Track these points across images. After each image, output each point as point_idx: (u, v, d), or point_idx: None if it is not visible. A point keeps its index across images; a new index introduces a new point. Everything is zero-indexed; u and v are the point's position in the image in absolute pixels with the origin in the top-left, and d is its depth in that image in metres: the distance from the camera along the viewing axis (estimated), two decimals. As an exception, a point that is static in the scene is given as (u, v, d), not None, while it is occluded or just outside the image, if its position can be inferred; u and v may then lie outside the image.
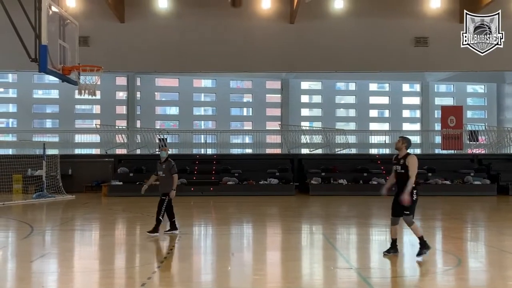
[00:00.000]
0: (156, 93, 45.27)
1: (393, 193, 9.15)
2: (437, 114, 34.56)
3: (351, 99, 44.74)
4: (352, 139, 28.78)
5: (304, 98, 44.50)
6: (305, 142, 27.33)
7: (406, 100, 42.92)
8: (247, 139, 35.15)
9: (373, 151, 27.34)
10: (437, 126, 32.82)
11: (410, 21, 25.74)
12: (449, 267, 8.90)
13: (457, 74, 31.95)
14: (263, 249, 10.88)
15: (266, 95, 44.44)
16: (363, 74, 32.76)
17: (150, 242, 11.13)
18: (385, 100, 43.65)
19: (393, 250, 9.24)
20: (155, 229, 11.36)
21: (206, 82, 45.51)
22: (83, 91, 12.88)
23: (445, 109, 29.55)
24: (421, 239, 9.05)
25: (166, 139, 26.77)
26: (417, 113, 41.76)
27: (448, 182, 22.20)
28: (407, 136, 9.48)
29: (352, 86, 44.60)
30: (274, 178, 22.86)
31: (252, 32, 25.80)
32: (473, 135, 26.11)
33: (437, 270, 8.77)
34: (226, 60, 26.18)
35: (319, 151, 26.44)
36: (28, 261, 9.13)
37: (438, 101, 40.61)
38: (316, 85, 44.90)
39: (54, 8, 12.28)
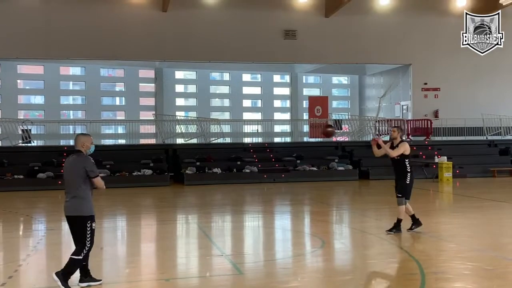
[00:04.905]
0: (18, 81, 42.16)
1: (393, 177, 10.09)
2: (305, 104, 36.13)
3: (225, 89, 45.22)
4: (226, 128, 29.13)
5: (179, 88, 44.04)
6: (180, 132, 27.20)
7: (277, 91, 44.26)
8: (120, 130, 34.13)
9: (247, 140, 27.95)
10: (306, 116, 34.33)
11: (280, 13, 26.65)
12: (314, 248, 9.47)
13: (324, 66, 33.67)
14: (136, 241, 10.75)
15: (139, 84, 43.31)
16: (237, 65, 33.30)
17: (13, 239, 10.48)
18: (257, 90, 44.73)
19: (415, 225, 10.01)
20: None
21: (75, 70, 43.16)
22: None
23: (312, 99, 30.96)
24: (398, 222, 9.88)
25: (30, 130, 25.12)
26: (287, 103, 43.32)
27: (315, 168, 23.40)
28: (399, 126, 10.24)
29: (226, 76, 45.05)
30: (148, 169, 22.51)
31: (122, 19, 25.07)
32: (337, 124, 27.73)
33: (304, 252, 9.30)
34: (95, 48, 25.20)
35: (194, 140, 26.49)
36: None
37: (306, 91, 42.26)
38: (191, 74, 44.73)
39: None
